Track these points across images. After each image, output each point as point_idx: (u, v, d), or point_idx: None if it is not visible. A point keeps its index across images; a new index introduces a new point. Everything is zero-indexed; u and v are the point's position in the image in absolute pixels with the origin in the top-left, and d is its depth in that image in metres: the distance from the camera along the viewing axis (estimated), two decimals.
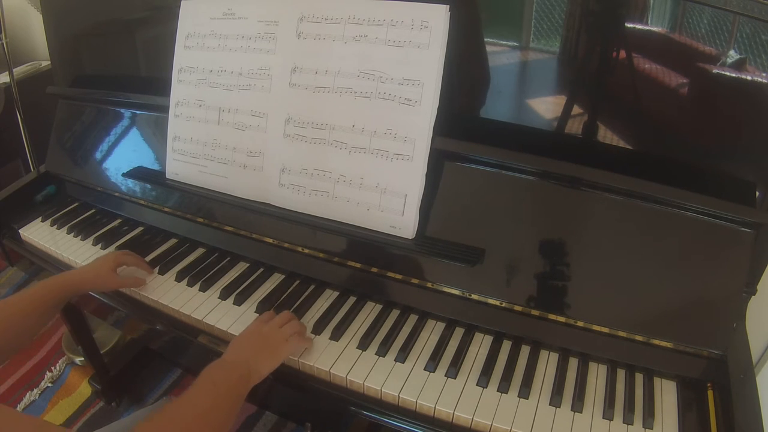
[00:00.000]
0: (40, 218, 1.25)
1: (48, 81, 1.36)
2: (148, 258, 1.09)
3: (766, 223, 0.75)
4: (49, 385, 1.65)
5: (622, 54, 0.80)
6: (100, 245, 1.14)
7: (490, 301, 0.87)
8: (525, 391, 0.79)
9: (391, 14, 0.85)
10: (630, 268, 0.80)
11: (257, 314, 0.94)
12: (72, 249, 1.14)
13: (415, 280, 0.92)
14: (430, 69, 0.83)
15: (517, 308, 0.86)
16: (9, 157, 1.96)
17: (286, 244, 1.02)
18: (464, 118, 0.92)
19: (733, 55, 0.74)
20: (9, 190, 1.28)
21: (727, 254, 0.77)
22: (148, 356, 1.68)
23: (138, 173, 1.15)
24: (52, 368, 1.69)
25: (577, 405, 0.78)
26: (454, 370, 0.82)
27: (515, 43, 0.86)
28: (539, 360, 0.86)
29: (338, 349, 0.87)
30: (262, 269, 1.06)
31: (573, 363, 0.85)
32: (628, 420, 0.76)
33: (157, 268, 1.06)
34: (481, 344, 0.88)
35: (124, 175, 1.15)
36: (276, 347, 0.81)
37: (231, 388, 0.73)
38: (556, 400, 0.78)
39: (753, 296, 0.82)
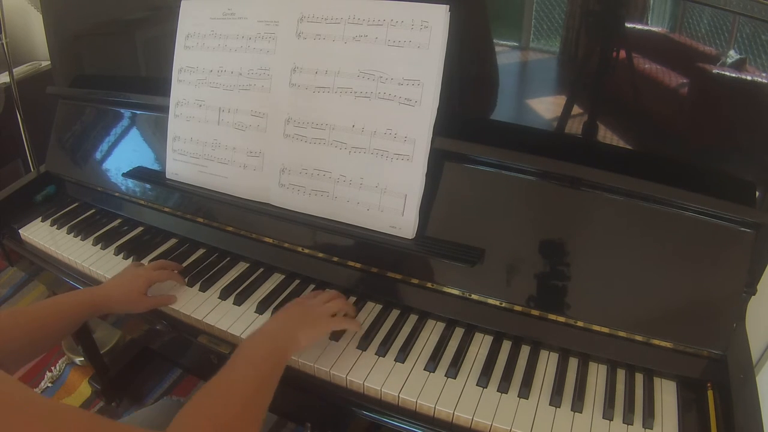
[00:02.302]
0: (40, 218, 1.25)
1: (48, 81, 1.36)
2: (148, 258, 1.09)
3: (766, 223, 0.75)
4: (49, 385, 1.65)
5: (622, 54, 0.80)
6: (100, 245, 1.14)
7: (490, 301, 0.87)
8: (525, 391, 0.79)
9: (391, 14, 0.85)
10: (630, 268, 0.80)
11: (257, 314, 0.94)
12: (72, 249, 1.14)
13: (415, 280, 0.92)
14: (430, 69, 0.83)
15: (517, 308, 0.86)
16: (9, 157, 1.96)
17: (286, 244, 1.02)
18: (464, 118, 0.92)
19: (733, 55, 0.74)
20: (9, 190, 1.28)
21: (727, 254, 0.77)
22: (148, 356, 1.68)
23: (138, 173, 1.15)
24: (52, 368, 1.69)
25: (577, 405, 0.78)
26: (454, 370, 0.82)
27: (515, 43, 0.86)
28: (539, 360, 0.86)
29: (338, 350, 0.87)
30: (262, 269, 1.05)
31: (573, 363, 0.85)
32: (628, 420, 0.76)
33: None
34: (481, 344, 0.88)
35: (124, 175, 1.15)
36: (317, 319, 0.81)
37: (268, 356, 0.72)
38: (556, 400, 0.78)
39: (753, 296, 0.82)
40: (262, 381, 0.69)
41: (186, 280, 1.02)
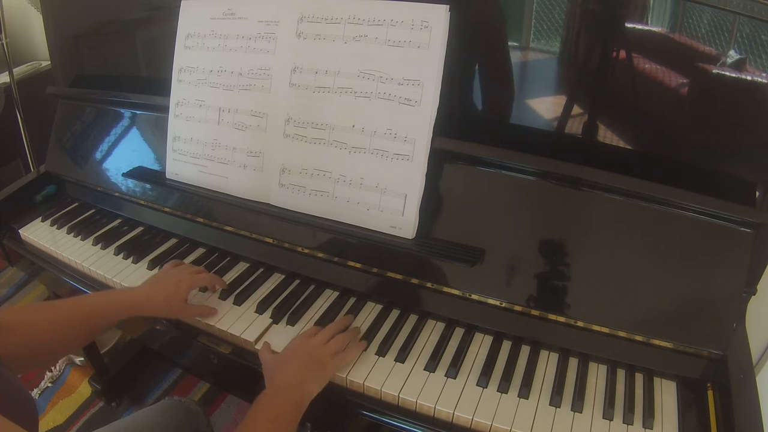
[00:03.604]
0: (40, 218, 1.25)
1: (48, 81, 1.36)
2: (148, 258, 1.09)
3: (766, 223, 0.75)
4: (49, 385, 1.65)
5: (622, 54, 0.80)
6: (100, 245, 1.14)
7: (490, 301, 0.87)
8: (525, 391, 0.79)
9: (391, 14, 0.85)
10: (630, 268, 0.80)
11: (257, 314, 0.94)
12: (72, 249, 1.14)
13: (415, 280, 0.92)
14: (430, 69, 0.83)
15: (517, 308, 0.86)
16: (9, 157, 1.96)
17: (286, 244, 1.02)
18: (464, 118, 0.92)
19: (733, 55, 0.74)
20: (9, 190, 1.27)
21: (727, 254, 0.77)
22: (148, 356, 1.68)
23: (138, 173, 1.15)
24: (52, 368, 1.69)
25: (577, 405, 0.78)
26: (454, 370, 0.82)
27: (515, 43, 0.86)
28: (539, 360, 0.86)
29: None
30: (262, 269, 1.06)
31: (573, 363, 0.85)
32: (628, 420, 0.76)
33: (156, 269, 1.06)
34: (481, 344, 0.89)
35: (124, 175, 1.15)
36: (323, 365, 0.79)
37: (287, 417, 0.72)
38: (556, 400, 0.78)
39: (753, 296, 0.82)
40: None
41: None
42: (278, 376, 0.77)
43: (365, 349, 0.87)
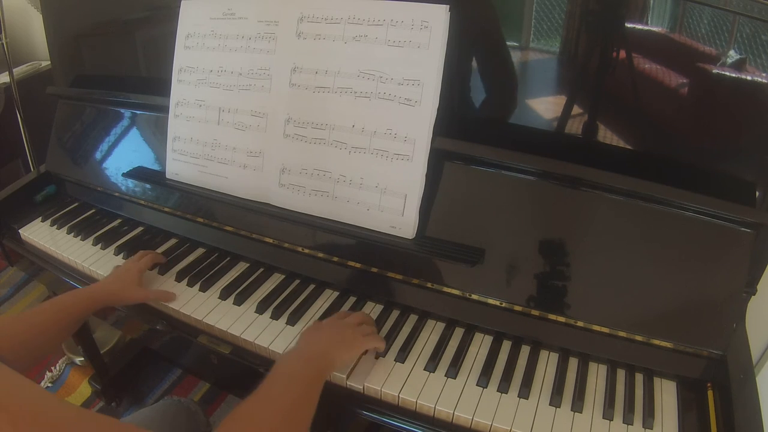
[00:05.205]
0: (40, 218, 1.25)
1: (48, 81, 1.36)
2: None
3: (766, 223, 0.75)
4: (49, 385, 1.65)
5: (622, 54, 0.80)
6: (100, 245, 1.14)
7: (490, 301, 0.87)
8: (525, 391, 0.79)
9: (391, 14, 0.85)
10: (630, 268, 0.80)
11: (257, 314, 0.94)
12: (72, 249, 1.14)
13: (415, 280, 0.92)
14: (430, 69, 0.83)
15: (517, 308, 0.86)
16: (9, 157, 1.96)
17: (286, 244, 1.02)
18: (464, 118, 0.92)
19: (733, 55, 0.74)
20: (9, 190, 1.28)
21: (727, 254, 0.77)
22: (148, 356, 1.68)
23: (138, 173, 1.15)
24: (52, 368, 1.69)
25: (577, 405, 0.78)
26: (454, 370, 0.82)
27: (515, 43, 0.86)
28: (539, 360, 0.86)
29: None
30: (262, 269, 1.05)
31: (573, 363, 0.85)
32: (628, 420, 0.76)
33: (157, 268, 1.06)
34: (481, 344, 0.88)
35: (124, 175, 1.15)
36: (353, 340, 0.80)
37: (310, 381, 0.71)
38: (556, 400, 0.78)
39: (753, 296, 0.82)
40: (300, 397, 0.68)
41: (186, 279, 1.02)
42: (306, 341, 0.79)
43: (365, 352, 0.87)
